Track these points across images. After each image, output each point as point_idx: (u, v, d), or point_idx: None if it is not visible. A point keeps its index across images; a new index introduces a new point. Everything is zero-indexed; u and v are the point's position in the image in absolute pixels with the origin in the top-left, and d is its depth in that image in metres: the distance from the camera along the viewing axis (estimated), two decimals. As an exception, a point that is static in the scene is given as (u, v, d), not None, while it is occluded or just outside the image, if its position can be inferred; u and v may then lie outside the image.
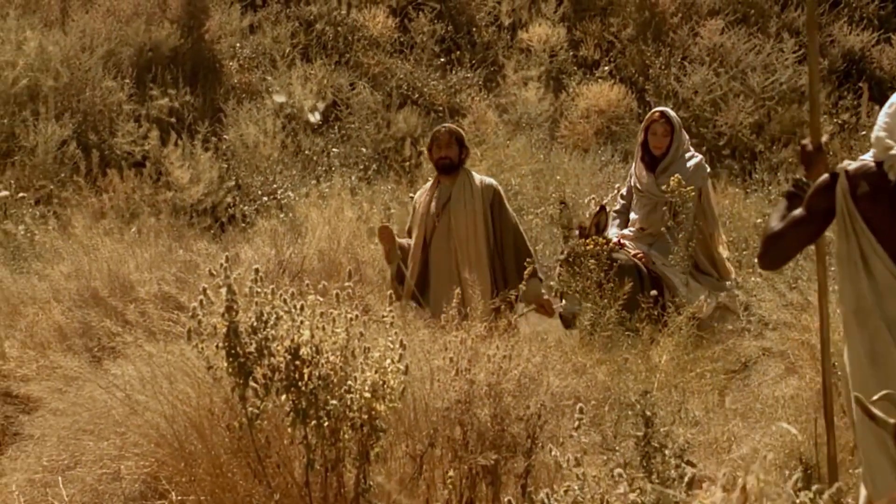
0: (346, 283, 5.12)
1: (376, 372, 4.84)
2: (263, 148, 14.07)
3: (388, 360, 4.85)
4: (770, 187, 12.79)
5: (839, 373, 4.94)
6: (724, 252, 8.49)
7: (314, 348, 4.83)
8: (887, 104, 4.58)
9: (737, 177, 14.34)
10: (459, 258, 7.90)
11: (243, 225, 12.44)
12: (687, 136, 8.64)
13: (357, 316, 4.95)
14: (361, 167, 13.70)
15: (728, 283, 8.44)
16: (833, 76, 16.49)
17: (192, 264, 8.03)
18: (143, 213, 11.96)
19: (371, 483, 4.84)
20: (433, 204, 8.09)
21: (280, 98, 14.72)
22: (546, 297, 8.06)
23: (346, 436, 4.81)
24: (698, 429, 5.54)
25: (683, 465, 4.56)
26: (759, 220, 10.98)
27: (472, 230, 7.96)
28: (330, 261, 8.00)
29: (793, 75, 15.85)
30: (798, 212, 4.63)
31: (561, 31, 17.14)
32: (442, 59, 16.76)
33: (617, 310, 7.06)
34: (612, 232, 8.51)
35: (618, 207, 8.71)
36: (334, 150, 14.13)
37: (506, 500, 4.57)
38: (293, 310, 4.89)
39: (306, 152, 14.17)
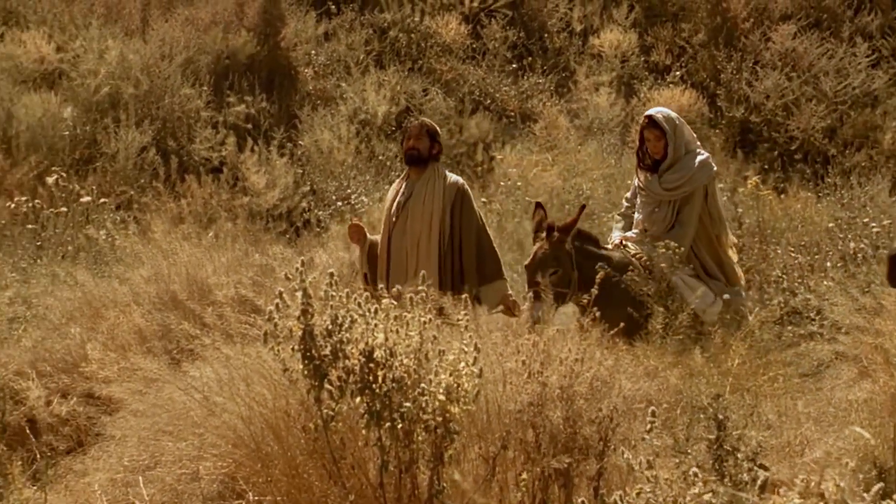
0: (420, 287, 5.16)
1: (450, 375, 4.85)
2: (337, 153, 14.19)
3: (462, 363, 4.87)
4: (842, 191, 12.64)
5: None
6: (733, 256, 8.26)
7: (388, 351, 4.85)
8: None
9: (809, 181, 14.22)
10: (410, 256, 7.76)
11: (318, 229, 12.55)
12: (692, 134, 8.32)
13: (430, 319, 4.97)
14: (434, 172, 13.74)
15: (737, 287, 8.17)
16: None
17: (267, 268, 8.07)
18: (220, 217, 12.08)
19: (444, 485, 4.84)
20: (397, 200, 7.96)
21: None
22: (512, 297, 7.90)
23: (420, 438, 4.83)
24: (771, 432, 5.50)
25: (756, 468, 4.53)
26: (831, 225, 10.86)
27: (427, 229, 7.80)
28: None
29: (865, 79, 15.68)
30: None
31: (632, 37, 17.11)
32: (514, 65, 16.80)
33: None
34: (615, 234, 8.35)
35: (622, 210, 8.52)
36: (407, 155, 14.20)
37: (578, 502, 4.58)
38: (367, 313, 4.90)
39: (379, 157, 14.27)
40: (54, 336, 7.54)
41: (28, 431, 6.76)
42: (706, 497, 4.15)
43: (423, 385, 4.83)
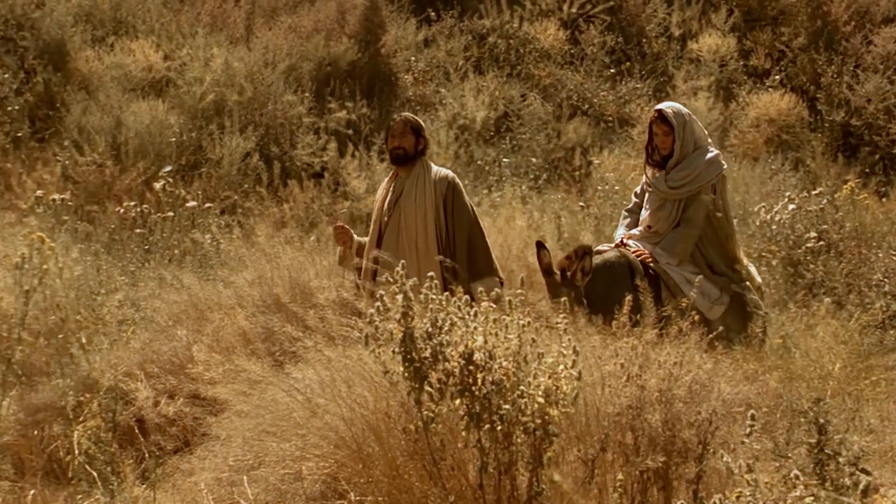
0: (519, 290, 5.18)
1: (549, 377, 4.85)
2: (437, 158, 14.26)
3: (561, 366, 4.88)
4: (943, 194, 12.44)
5: None
6: (745, 260, 8.03)
7: (487, 354, 4.86)
8: None
9: (911, 184, 14.00)
10: (408, 255, 7.41)
11: (417, 234, 12.61)
12: (703, 131, 8.10)
13: (529, 322, 4.97)
14: (532, 176, 13.76)
15: (745, 283, 7.88)
16: None
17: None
18: (321, 222, 12.21)
19: (543, 486, 4.85)
20: (387, 199, 7.75)
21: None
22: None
23: (519, 440, 4.84)
24: (873, 437, 5.45)
25: (858, 472, 4.49)
26: (932, 228, 10.69)
27: (423, 227, 7.57)
28: (502, 268, 8.04)
29: (968, 82, 15.39)
30: None
31: (731, 41, 16.96)
32: (612, 70, 16.76)
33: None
34: (619, 231, 8.19)
35: (630, 206, 8.33)
36: (505, 160, 14.24)
37: (677, 504, 4.60)
38: (467, 316, 4.93)
39: (478, 162, 14.31)
40: (161, 338, 7.66)
41: (137, 431, 6.91)
42: (808, 501, 4.13)
43: (522, 387, 4.84)
